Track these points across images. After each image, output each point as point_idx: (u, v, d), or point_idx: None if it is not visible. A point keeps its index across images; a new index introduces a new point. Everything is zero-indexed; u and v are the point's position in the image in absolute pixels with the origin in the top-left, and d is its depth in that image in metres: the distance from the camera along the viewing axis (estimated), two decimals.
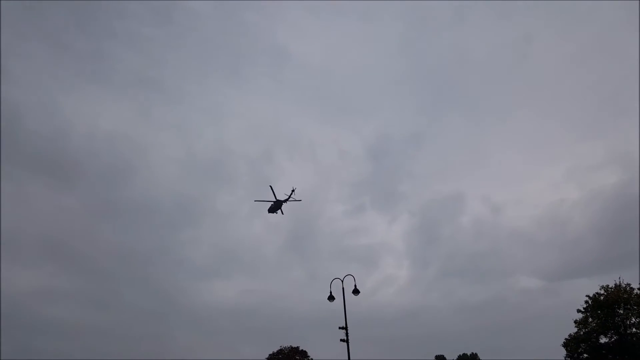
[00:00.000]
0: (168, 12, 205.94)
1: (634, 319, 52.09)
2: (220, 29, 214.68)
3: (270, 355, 76.27)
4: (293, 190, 54.95)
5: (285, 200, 56.16)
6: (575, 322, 55.61)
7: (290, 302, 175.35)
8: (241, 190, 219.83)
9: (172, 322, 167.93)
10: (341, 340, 32.78)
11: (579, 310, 55.72)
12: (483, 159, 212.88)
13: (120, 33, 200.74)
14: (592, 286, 64.42)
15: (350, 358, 32.35)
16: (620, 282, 53.95)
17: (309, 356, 76.17)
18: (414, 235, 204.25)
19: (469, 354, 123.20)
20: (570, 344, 55.51)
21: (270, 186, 56.12)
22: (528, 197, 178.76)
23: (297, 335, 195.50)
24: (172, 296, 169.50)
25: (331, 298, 32.90)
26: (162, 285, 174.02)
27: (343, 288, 32.68)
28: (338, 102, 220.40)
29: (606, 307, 52.81)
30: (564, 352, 56.24)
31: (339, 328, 32.79)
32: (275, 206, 56.46)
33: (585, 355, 54.51)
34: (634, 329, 52.00)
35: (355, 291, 32.61)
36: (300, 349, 76.57)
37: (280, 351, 76.32)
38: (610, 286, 54.01)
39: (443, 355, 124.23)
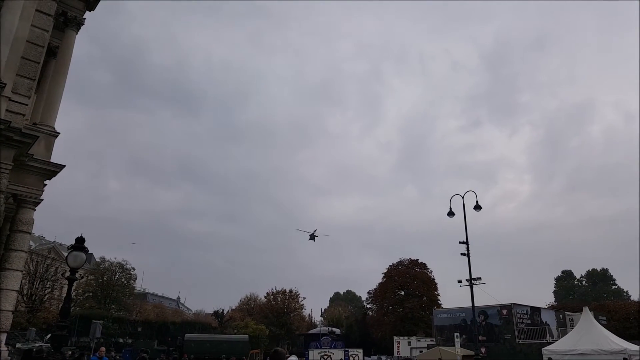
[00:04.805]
0: None
1: None
2: None
3: (390, 266, 79.44)
4: (315, 230, 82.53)
5: (315, 234, 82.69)
6: None
7: (405, 218, 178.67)
8: (351, 111, 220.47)
9: (295, 235, 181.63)
10: (462, 254, 33.38)
11: None
12: (616, 59, 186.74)
13: None
14: None
15: (471, 271, 32.98)
16: None
17: (428, 268, 78.09)
18: (536, 148, 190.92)
19: (598, 269, 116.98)
20: None
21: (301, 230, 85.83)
22: None
23: (412, 249, 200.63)
24: (293, 212, 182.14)
25: (451, 214, 33.15)
26: (283, 201, 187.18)
27: (464, 204, 32.64)
28: (449, 8, 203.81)
29: None
30: None
31: (460, 242, 33.27)
32: (311, 237, 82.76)
33: None
34: None
35: (477, 207, 32.38)
36: (420, 261, 78.74)
37: (400, 262, 79.16)
38: None
39: (570, 271, 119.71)
